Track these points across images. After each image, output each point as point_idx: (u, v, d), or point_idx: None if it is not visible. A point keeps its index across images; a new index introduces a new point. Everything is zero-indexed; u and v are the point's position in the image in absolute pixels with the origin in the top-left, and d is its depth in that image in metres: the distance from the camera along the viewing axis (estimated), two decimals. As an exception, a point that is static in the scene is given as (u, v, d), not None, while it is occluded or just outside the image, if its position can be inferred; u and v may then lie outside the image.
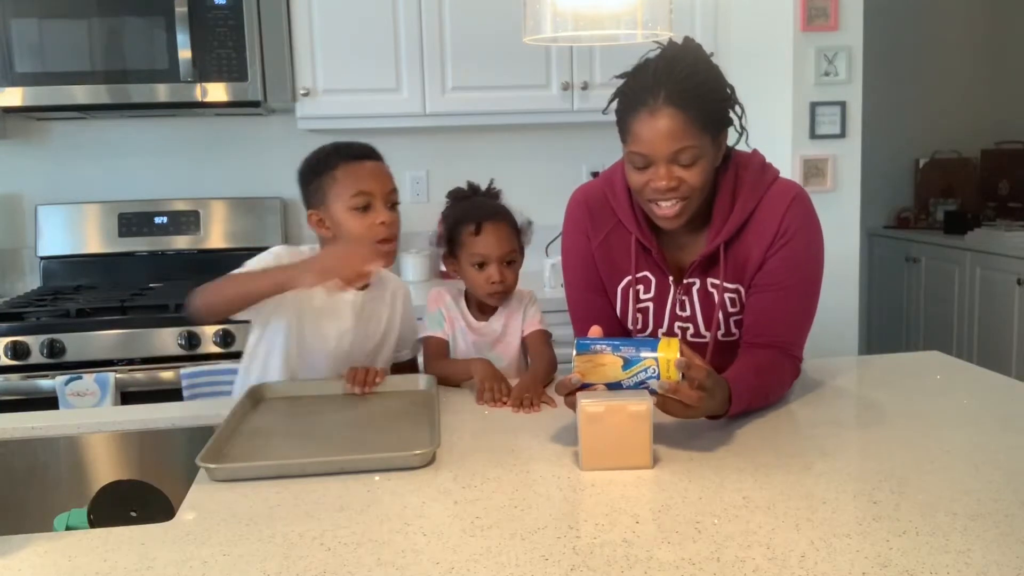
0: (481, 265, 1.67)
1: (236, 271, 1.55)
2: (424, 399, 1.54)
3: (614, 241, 1.56)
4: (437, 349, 1.72)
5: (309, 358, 1.66)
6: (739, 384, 1.33)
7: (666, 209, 1.41)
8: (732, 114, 1.44)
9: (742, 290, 1.50)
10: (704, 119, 1.36)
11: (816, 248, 1.51)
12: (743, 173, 1.49)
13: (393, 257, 1.59)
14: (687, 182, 1.38)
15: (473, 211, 1.69)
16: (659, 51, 1.42)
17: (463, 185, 1.78)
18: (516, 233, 1.72)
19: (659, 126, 1.35)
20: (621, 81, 1.44)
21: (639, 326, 1.57)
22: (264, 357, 1.66)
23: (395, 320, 1.76)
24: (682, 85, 1.35)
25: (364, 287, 1.67)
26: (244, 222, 2.95)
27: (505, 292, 1.70)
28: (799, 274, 1.47)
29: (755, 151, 1.53)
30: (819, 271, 1.51)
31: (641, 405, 1.19)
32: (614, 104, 1.44)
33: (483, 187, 1.78)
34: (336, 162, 1.57)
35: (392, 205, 1.59)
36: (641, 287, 1.55)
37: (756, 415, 1.42)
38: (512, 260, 1.70)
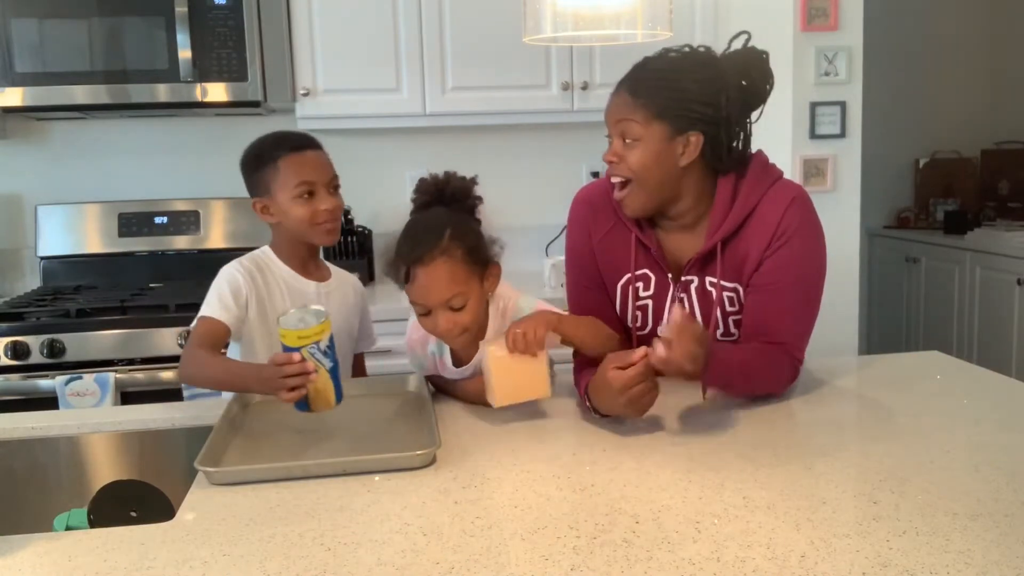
0: (427, 313, 1.44)
1: (205, 314, 1.58)
2: (415, 400, 1.54)
3: (614, 239, 1.57)
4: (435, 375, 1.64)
5: None
6: (719, 355, 1.35)
7: (615, 189, 1.49)
8: (709, 120, 1.43)
9: (740, 289, 1.50)
10: (656, 109, 1.43)
11: (815, 250, 1.50)
12: (744, 172, 1.50)
13: (336, 236, 1.68)
14: (624, 160, 1.45)
15: (404, 247, 1.42)
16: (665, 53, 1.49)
17: (433, 176, 1.50)
18: (463, 266, 1.41)
19: (611, 104, 1.48)
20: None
21: (638, 323, 1.58)
22: (249, 357, 1.67)
23: (355, 312, 1.79)
24: (641, 76, 1.45)
25: (322, 279, 1.73)
26: (244, 222, 2.94)
27: (465, 334, 1.46)
28: (796, 274, 1.47)
29: (759, 151, 1.54)
30: (819, 273, 1.51)
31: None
32: None
33: (455, 179, 1.48)
34: (278, 154, 1.62)
35: (334, 189, 1.66)
36: (640, 284, 1.56)
37: (756, 415, 1.43)
38: (459, 306, 1.42)
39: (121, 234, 2.92)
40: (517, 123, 3.02)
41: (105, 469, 1.48)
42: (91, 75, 2.59)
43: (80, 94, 2.60)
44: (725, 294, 1.51)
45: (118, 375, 2.39)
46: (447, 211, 1.46)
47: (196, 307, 1.61)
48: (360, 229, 2.98)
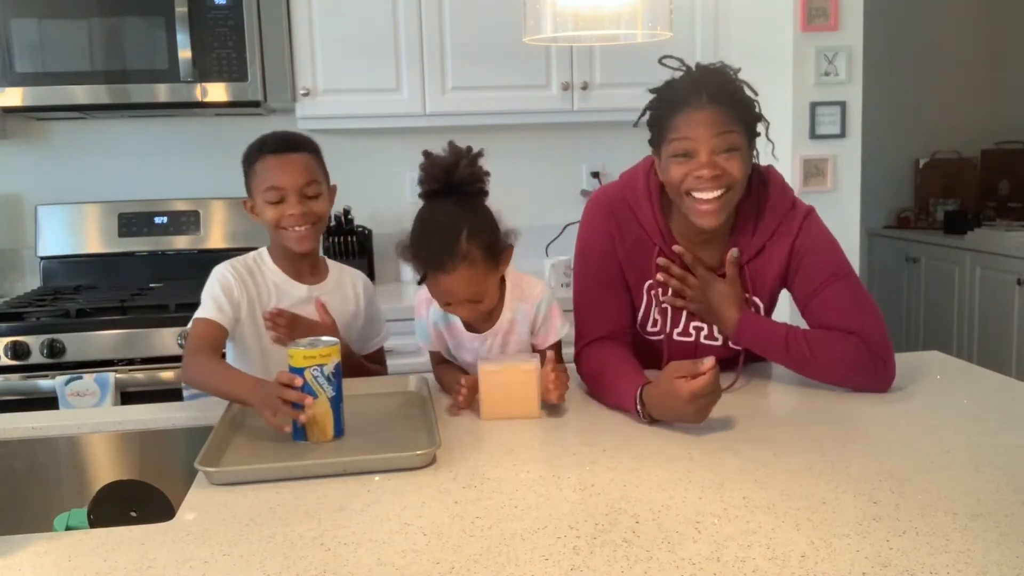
0: (448, 304, 1.49)
1: (200, 316, 1.58)
2: (416, 400, 1.54)
3: (639, 248, 1.59)
4: (435, 357, 1.66)
5: (281, 356, 1.66)
6: (754, 319, 1.49)
7: (707, 203, 1.44)
8: (760, 125, 1.50)
9: (757, 301, 1.55)
10: (741, 118, 1.44)
11: (836, 246, 1.57)
12: (768, 189, 1.55)
13: (310, 243, 1.64)
14: (729, 172, 1.43)
15: (422, 252, 1.45)
16: (691, 68, 1.49)
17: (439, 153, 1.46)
18: (483, 265, 1.43)
19: (703, 118, 1.42)
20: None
21: (657, 327, 1.60)
22: (242, 362, 1.66)
23: (360, 313, 1.76)
24: (721, 88, 1.44)
25: (316, 281, 1.69)
26: (244, 222, 2.94)
27: (485, 319, 1.54)
28: (831, 271, 1.53)
29: (770, 167, 1.59)
30: (848, 264, 1.57)
31: (530, 364, 1.43)
32: (645, 116, 1.51)
33: (463, 164, 1.43)
34: (257, 156, 1.62)
35: (313, 196, 1.61)
36: (660, 289, 1.58)
37: (756, 415, 1.43)
38: (479, 300, 1.47)
39: (121, 234, 2.92)
40: (517, 123, 3.02)
41: (105, 469, 1.48)
42: (91, 75, 2.59)
43: (80, 94, 2.60)
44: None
45: (118, 375, 2.39)
46: (458, 206, 1.43)
47: (196, 307, 1.61)
48: (360, 229, 2.98)
